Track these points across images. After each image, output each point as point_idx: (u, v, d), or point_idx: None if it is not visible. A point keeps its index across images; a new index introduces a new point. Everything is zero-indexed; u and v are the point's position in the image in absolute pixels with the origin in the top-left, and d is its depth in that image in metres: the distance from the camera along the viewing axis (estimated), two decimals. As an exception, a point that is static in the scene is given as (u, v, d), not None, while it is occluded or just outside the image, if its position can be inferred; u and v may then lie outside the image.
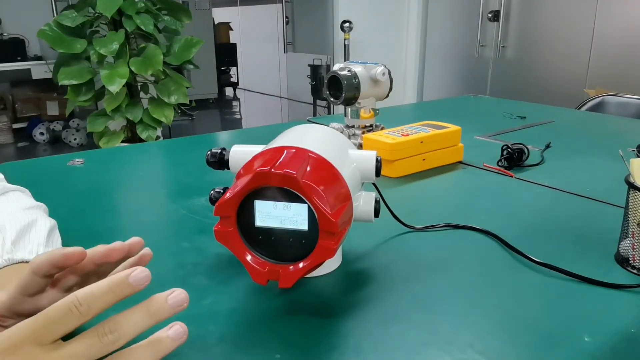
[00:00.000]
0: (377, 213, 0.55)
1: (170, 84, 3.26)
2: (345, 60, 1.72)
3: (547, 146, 1.06)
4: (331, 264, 0.56)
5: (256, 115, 6.28)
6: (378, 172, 0.56)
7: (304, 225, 0.46)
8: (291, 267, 0.46)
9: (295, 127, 0.59)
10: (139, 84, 3.32)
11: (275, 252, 0.48)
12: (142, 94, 3.36)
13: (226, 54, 6.92)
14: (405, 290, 0.52)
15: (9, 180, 0.63)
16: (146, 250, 0.44)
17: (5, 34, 4.34)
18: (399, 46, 4.36)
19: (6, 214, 0.51)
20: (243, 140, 0.66)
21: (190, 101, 3.41)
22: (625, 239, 0.57)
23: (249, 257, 0.47)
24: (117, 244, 0.42)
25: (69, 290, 0.43)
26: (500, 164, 0.94)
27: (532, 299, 0.51)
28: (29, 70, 4.30)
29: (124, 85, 3.01)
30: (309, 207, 0.45)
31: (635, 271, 0.55)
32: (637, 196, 0.54)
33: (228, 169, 0.60)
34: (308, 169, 0.47)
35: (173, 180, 0.92)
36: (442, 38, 4.10)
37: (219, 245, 0.48)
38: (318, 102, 4.87)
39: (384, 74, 0.98)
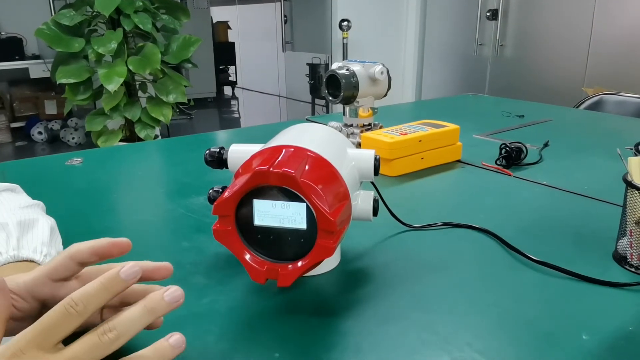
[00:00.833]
0: (375, 212, 0.55)
1: (169, 82, 3.26)
2: (343, 59, 1.72)
3: (546, 145, 1.06)
4: (330, 263, 0.56)
5: (255, 114, 6.28)
6: (376, 171, 0.56)
7: (302, 224, 0.46)
8: (290, 266, 0.46)
9: (293, 126, 0.59)
10: (137, 83, 3.32)
11: (273, 251, 0.48)
12: (140, 93, 3.35)
13: (225, 53, 6.91)
14: (404, 289, 0.52)
15: (8, 180, 0.63)
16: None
17: (3, 33, 4.33)
18: (398, 45, 4.36)
19: (5, 212, 0.51)
20: (241, 139, 0.65)
21: (189, 100, 3.41)
22: (623, 237, 0.57)
23: (247, 256, 0.47)
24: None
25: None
26: (498, 162, 0.95)
27: (530, 298, 0.51)
28: (26, 69, 4.29)
29: (122, 84, 3.00)
30: (307, 206, 0.45)
31: (633, 269, 0.55)
32: (635, 194, 0.54)
33: (227, 168, 0.60)
34: (306, 168, 0.47)
35: (171, 179, 0.92)
36: (441, 37, 4.10)
37: (218, 244, 0.48)
38: (316, 101, 4.87)
39: (382, 72, 0.98)
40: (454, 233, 0.66)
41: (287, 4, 5.05)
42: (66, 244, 0.55)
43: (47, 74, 3.97)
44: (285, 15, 5.05)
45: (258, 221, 0.47)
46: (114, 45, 2.98)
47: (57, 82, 3.05)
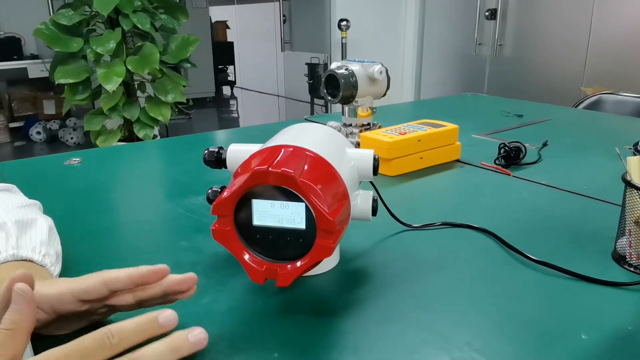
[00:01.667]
0: (374, 212, 0.55)
1: (167, 82, 3.26)
2: (342, 59, 1.72)
3: (545, 144, 1.06)
4: (329, 263, 0.56)
5: (253, 114, 6.28)
6: (375, 171, 0.56)
7: (301, 224, 0.46)
8: (289, 266, 0.46)
9: (292, 125, 0.59)
10: (135, 82, 3.31)
11: (272, 251, 0.48)
12: (139, 93, 3.35)
13: (223, 53, 6.90)
14: (403, 289, 0.52)
15: (7, 180, 0.63)
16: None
17: (1, 33, 4.33)
18: (397, 45, 4.36)
19: (3, 211, 0.51)
20: (240, 139, 0.65)
21: (188, 100, 3.41)
22: (622, 236, 0.57)
23: (246, 256, 0.47)
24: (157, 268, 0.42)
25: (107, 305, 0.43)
26: (497, 162, 0.95)
27: (529, 297, 0.51)
28: (25, 69, 4.29)
29: (120, 84, 3.00)
30: (306, 205, 0.45)
31: (632, 269, 0.55)
32: (634, 194, 0.54)
33: (225, 167, 0.60)
34: (305, 167, 0.47)
35: (170, 179, 0.92)
36: (440, 36, 4.10)
37: (217, 244, 0.48)
38: (315, 100, 4.87)
39: (381, 72, 0.98)
40: (453, 233, 0.66)
41: (286, 4, 5.05)
42: (65, 244, 0.55)
43: (46, 74, 3.96)
44: (284, 15, 5.05)
45: (257, 221, 0.47)
46: (112, 45, 2.97)
47: (56, 82, 3.04)
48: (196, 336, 0.37)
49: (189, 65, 3.41)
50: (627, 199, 0.55)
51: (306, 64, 4.76)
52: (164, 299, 0.44)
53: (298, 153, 0.49)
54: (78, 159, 0.99)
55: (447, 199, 0.81)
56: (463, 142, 0.98)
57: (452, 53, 4.01)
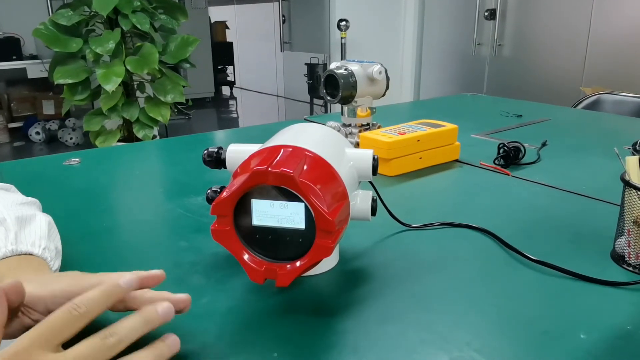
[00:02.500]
0: (374, 212, 0.55)
1: (167, 82, 3.25)
2: (342, 59, 1.73)
3: (544, 144, 1.06)
4: (328, 263, 0.56)
5: (253, 114, 6.28)
6: (375, 171, 0.56)
7: (301, 224, 0.46)
8: (288, 266, 0.46)
9: (292, 125, 0.59)
10: (135, 83, 3.31)
11: (272, 251, 0.48)
12: (138, 93, 3.35)
13: (223, 53, 6.90)
14: (403, 289, 0.52)
15: (6, 180, 0.63)
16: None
17: (0, 33, 4.32)
18: (396, 45, 4.36)
19: (3, 208, 0.51)
20: (240, 139, 0.65)
21: (187, 100, 3.41)
22: (621, 236, 0.57)
23: (246, 256, 0.47)
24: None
25: None
26: (496, 162, 0.95)
27: (528, 297, 0.51)
28: (24, 69, 4.28)
29: (120, 84, 3.00)
30: (306, 206, 0.45)
31: (630, 268, 0.55)
32: (633, 194, 0.54)
33: (225, 168, 0.60)
34: (305, 167, 0.47)
35: (170, 179, 0.92)
36: (439, 36, 4.10)
37: (216, 244, 0.48)
38: (315, 100, 4.87)
39: (380, 72, 0.98)
40: (453, 233, 0.66)
41: (285, 4, 5.05)
42: (65, 244, 0.55)
43: (45, 74, 3.96)
44: (283, 15, 5.05)
45: (256, 221, 0.47)
46: (111, 45, 2.97)
47: (55, 82, 3.04)
48: (164, 309, 0.39)
49: (188, 65, 3.41)
50: (625, 199, 0.55)
51: (305, 64, 4.76)
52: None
53: (297, 153, 0.49)
54: (77, 159, 0.99)
55: (446, 199, 0.81)
56: (462, 142, 0.98)
57: (451, 53, 4.01)
